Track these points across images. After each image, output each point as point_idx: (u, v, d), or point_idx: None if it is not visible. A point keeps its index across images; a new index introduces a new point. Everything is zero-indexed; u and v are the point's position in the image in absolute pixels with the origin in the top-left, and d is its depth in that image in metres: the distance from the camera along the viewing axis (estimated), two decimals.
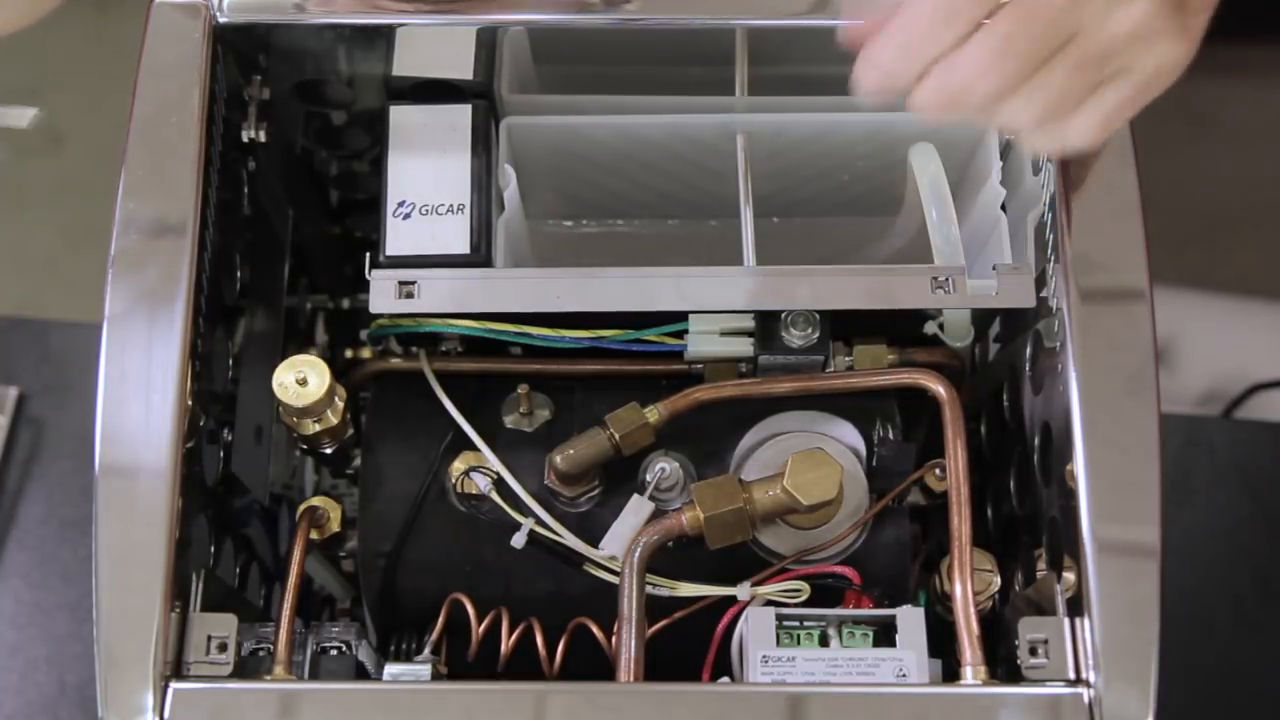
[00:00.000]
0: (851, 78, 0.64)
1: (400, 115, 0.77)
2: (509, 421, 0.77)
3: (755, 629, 0.70)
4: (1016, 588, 0.75)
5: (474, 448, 0.75)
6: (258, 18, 0.75)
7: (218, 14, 0.74)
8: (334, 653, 0.72)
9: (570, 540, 0.74)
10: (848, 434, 0.76)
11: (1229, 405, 1.22)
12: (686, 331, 0.76)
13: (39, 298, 1.68)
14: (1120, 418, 0.68)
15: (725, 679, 0.72)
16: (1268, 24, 1.65)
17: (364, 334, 0.90)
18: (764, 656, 0.69)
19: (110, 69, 0.66)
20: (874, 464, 0.75)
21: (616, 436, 0.73)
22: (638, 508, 0.74)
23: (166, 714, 0.65)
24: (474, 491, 0.75)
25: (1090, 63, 0.61)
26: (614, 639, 0.71)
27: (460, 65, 0.77)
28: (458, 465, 0.75)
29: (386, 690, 0.70)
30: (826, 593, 0.73)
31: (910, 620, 0.70)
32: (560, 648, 0.73)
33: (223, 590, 0.72)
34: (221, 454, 0.75)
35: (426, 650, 0.73)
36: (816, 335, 0.75)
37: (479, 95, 0.78)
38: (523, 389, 0.76)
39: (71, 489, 1.02)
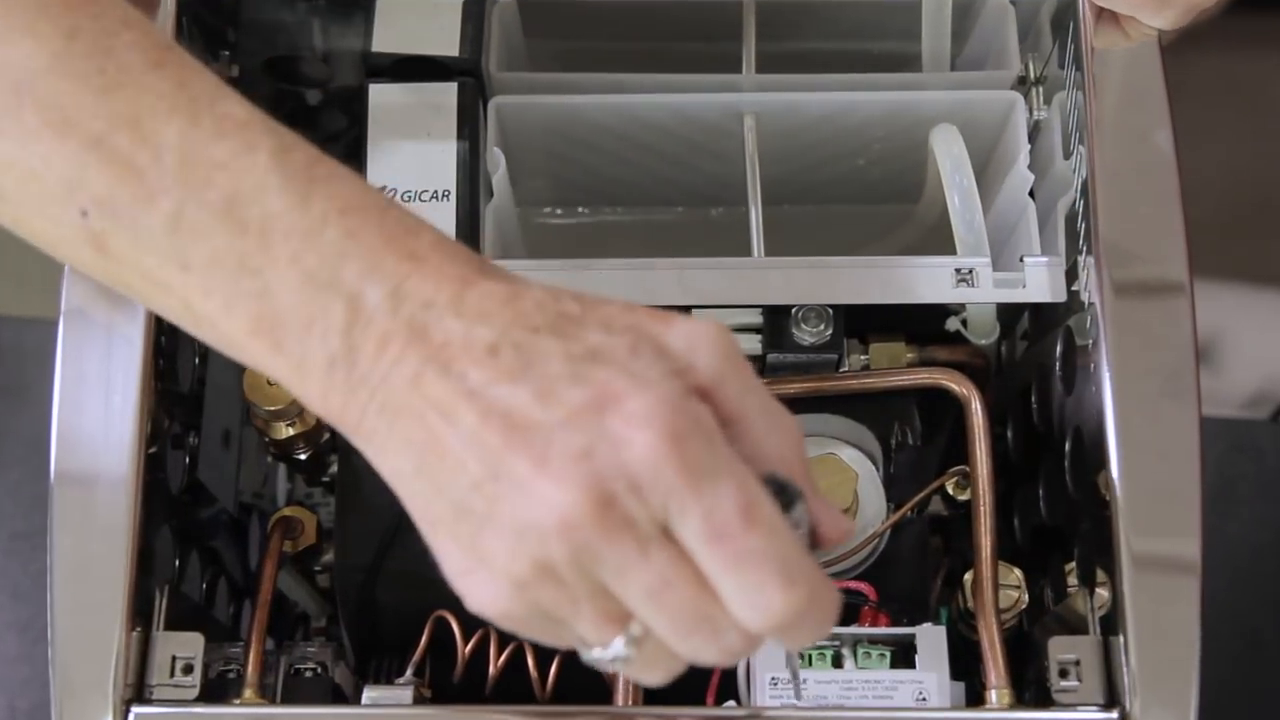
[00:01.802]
0: None
1: (380, 94, 0.78)
2: None
3: (763, 649, 0.70)
4: (1046, 605, 0.75)
5: None
6: None
7: None
8: (309, 674, 0.72)
9: None
10: (863, 438, 0.77)
11: (1279, 408, 1.22)
12: None
13: None
14: (1158, 421, 0.68)
15: (731, 703, 0.72)
16: None
17: None
18: (773, 679, 0.69)
19: None
20: (891, 471, 0.76)
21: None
22: None
23: None
24: None
25: None
26: None
27: (445, 40, 0.78)
28: None
29: (365, 715, 0.70)
30: (841, 610, 0.73)
31: (931, 640, 0.70)
32: (553, 669, 0.73)
33: (188, 607, 0.73)
34: (187, 460, 0.75)
35: (408, 672, 0.73)
36: (830, 332, 0.75)
37: (465, 73, 0.78)
38: None
39: (23, 499, 1.03)
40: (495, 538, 0.53)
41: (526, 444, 0.53)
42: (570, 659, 0.73)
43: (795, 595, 0.53)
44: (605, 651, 0.56)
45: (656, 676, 0.57)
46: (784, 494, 0.55)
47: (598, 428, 0.53)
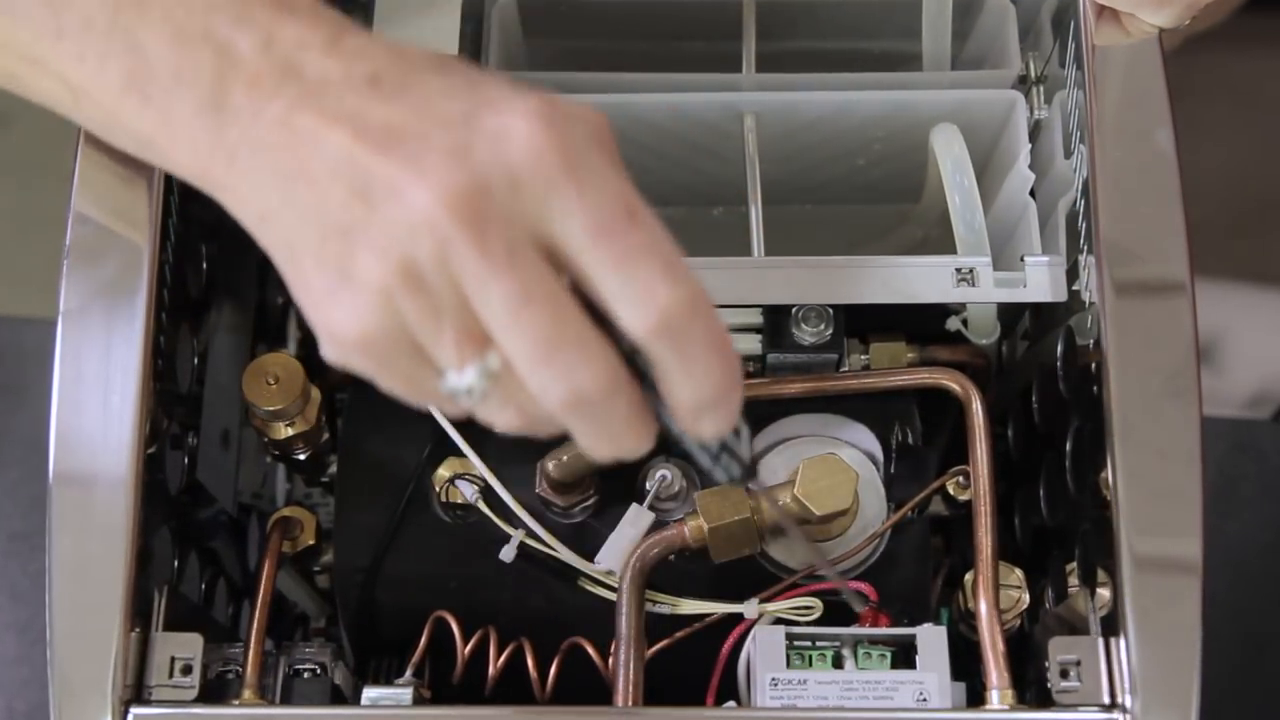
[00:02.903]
0: None
1: None
2: None
3: (763, 649, 0.70)
4: (1046, 605, 0.75)
5: (459, 453, 0.76)
6: None
7: None
8: (308, 675, 0.73)
9: (564, 553, 0.74)
10: (863, 438, 0.77)
11: None
12: None
13: None
14: (1159, 421, 0.68)
15: (731, 703, 0.72)
16: None
17: None
18: (773, 679, 0.69)
19: None
20: (892, 471, 0.76)
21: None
22: (636, 518, 0.74)
23: None
24: (459, 501, 0.75)
25: None
26: (611, 660, 0.72)
27: (444, 40, 0.78)
28: (442, 472, 0.76)
29: (365, 715, 0.71)
30: (841, 610, 0.73)
31: (931, 640, 0.70)
32: (553, 669, 0.74)
33: (187, 608, 0.73)
34: (186, 460, 0.75)
35: (408, 673, 0.73)
36: (830, 332, 0.75)
37: None
38: None
39: (21, 499, 1.03)
40: (364, 246, 0.52)
41: (400, 148, 0.52)
42: (570, 659, 0.73)
43: (680, 291, 0.53)
44: (460, 378, 0.53)
45: (508, 417, 0.55)
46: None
47: (476, 127, 0.52)
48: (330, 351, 0.55)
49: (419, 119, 0.53)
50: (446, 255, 0.51)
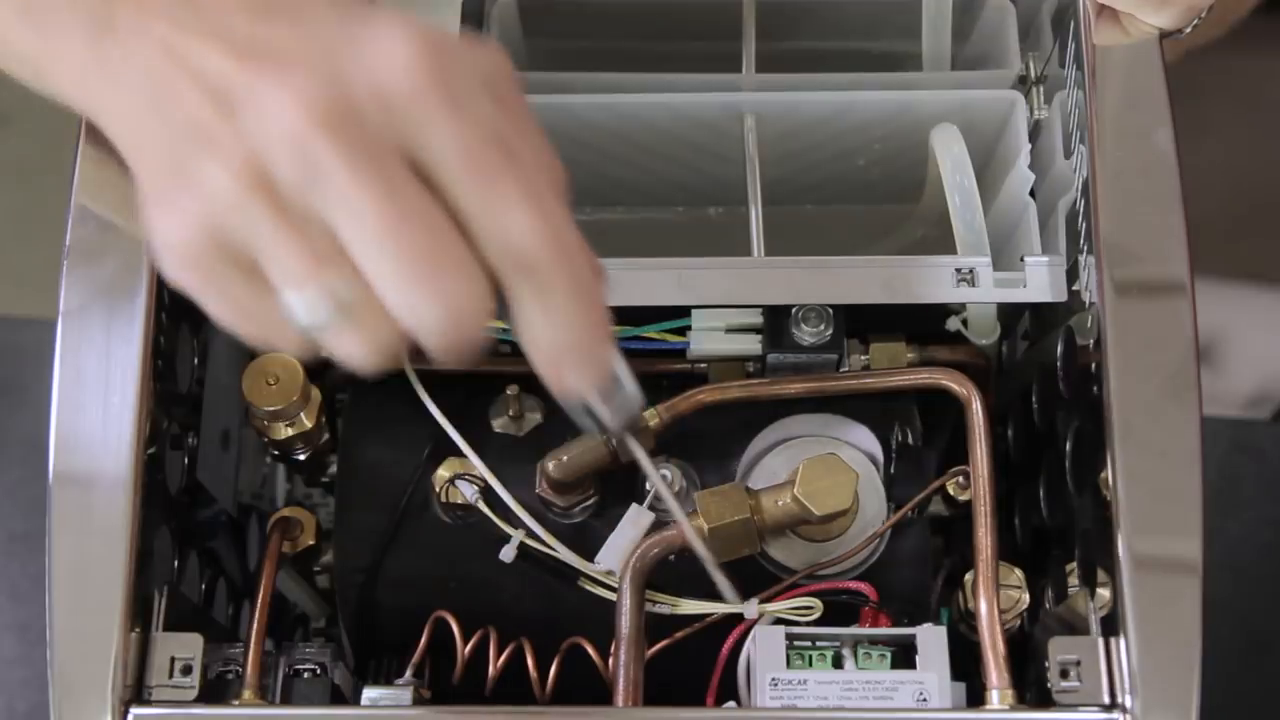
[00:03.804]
0: None
1: None
2: (497, 425, 0.77)
3: (763, 649, 0.70)
4: (1047, 605, 0.75)
5: (459, 454, 0.76)
6: None
7: None
8: (308, 675, 0.73)
9: (564, 554, 0.74)
10: (864, 439, 0.77)
11: None
12: (689, 328, 0.76)
13: None
14: (1159, 421, 0.68)
15: (731, 704, 0.72)
16: None
17: None
18: (773, 679, 0.69)
19: None
20: (892, 471, 0.76)
21: (614, 442, 0.74)
22: (636, 518, 0.74)
23: None
24: (459, 501, 0.75)
25: None
26: (611, 660, 0.72)
27: None
28: (442, 473, 0.76)
29: (364, 716, 0.71)
30: (841, 610, 0.73)
31: (931, 640, 0.70)
32: (553, 670, 0.74)
33: (187, 608, 0.73)
34: (185, 461, 0.75)
35: (408, 673, 0.73)
36: (830, 332, 0.75)
37: None
38: (512, 390, 0.77)
39: (21, 500, 1.03)
40: (211, 153, 0.51)
41: (269, 61, 0.51)
42: (570, 659, 0.73)
43: (545, 229, 0.51)
44: (301, 301, 0.51)
45: (354, 347, 0.53)
46: None
47: (352, 45, 0.51)
48: (163, 263, 0.53)
49: (297, 39, 0.51)
50: (308, 166, 0.50)
